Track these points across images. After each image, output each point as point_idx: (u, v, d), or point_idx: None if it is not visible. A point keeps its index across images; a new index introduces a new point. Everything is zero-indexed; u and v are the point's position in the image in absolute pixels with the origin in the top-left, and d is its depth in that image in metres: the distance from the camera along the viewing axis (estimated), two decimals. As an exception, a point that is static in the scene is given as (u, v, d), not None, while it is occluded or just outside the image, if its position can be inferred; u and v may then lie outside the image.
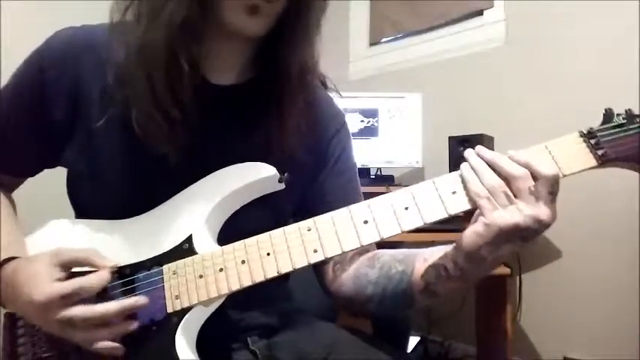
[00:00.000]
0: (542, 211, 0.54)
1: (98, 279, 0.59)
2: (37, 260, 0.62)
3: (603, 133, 0.57)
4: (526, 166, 0.55)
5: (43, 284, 0.58)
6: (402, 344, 1.76)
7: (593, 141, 0.57)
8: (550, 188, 0.54)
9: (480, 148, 0.59)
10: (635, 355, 1.66)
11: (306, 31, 0.68)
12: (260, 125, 0.71)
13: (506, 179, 0.56)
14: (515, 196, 0.55)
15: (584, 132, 0.58)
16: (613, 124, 0.57)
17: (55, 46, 0.68)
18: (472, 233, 0.57)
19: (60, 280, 0.59)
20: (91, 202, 0.70)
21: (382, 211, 0.60)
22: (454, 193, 0.58)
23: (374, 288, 0.70)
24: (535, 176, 0.55)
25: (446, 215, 0.58)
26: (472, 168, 0.58)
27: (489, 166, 0.57)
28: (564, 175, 0.57)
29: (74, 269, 0.62)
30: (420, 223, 0.58)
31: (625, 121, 0.57)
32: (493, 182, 0.56)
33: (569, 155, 0.57)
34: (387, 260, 0.71)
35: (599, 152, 0.57)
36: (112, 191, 0.68)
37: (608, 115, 0.58)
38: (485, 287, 1.96)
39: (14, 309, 0.65)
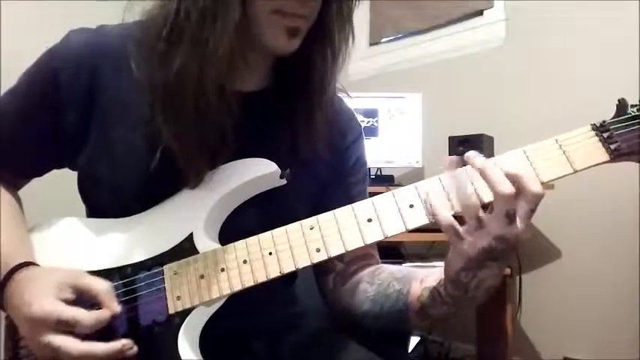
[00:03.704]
0: (513, 231, 0.52)
1: (98, 319, 0.57)
2: (52, 273, 0.60)
3: (616, 125, 0.54)
4: (515, 180, 0.51)
5: (46, 299, 0.56)
6: (402, 345, 1.76)
7: (605, 134, 0.54)
8: (534, 206, 0.52)
9: (472, 154, 0.54)
10: (635, 355, 1.66)
11: (331, 45, 0.68)
12: (277, 133, 0.71)
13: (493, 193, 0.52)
14: (488, 211, 0.53)
15: (597, 125, 0.55)
16: (626, 116, 0.54)
17: (69, 48, 0.66)
18: (448, 260, 0.57)
19: (64, 301, 0.57)
20: (105, 205, 0.69)
21: (386, 209, 0.58)
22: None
23: (371, 305, 0.71)
24: (521, 192, 0.51)
25: (452, 213, 0.56)
26: (456, 180, 0.55)
27: (480, 173, 0.53)
28: (575, 171, 0.54)
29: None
30: (425, 221, 0.57)
31: (639, 112, 0.54)
32: (469, 203, 0.53)
33: (580, 149, 0.54)
34: (386, 278, 0.71)
35: (612, 146, 0.53)
36: (129, 197, 0.67)
37: (622, 107, 0.55)
38: (486, 287, 1.96)
39: (13, 317, 0.62)
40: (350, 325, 0.78)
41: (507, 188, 0.51)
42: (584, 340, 1.85)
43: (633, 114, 0.54)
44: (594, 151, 0.54)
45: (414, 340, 2.03)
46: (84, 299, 0.59)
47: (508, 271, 1.69)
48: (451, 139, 1.89)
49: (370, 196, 0.61)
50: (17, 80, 0.70)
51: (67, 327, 0.55)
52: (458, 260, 0.56)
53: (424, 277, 0.66)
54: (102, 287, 0.59)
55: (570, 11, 1.91)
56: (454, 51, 2.30)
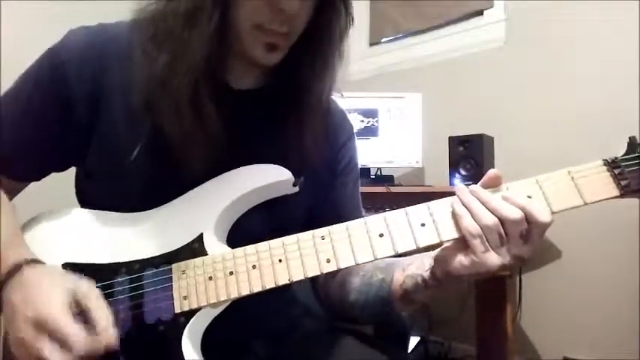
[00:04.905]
0: (528, 251, 0.55)
1: (91, 349, 0.52)
2: (65, 278, 0.57)
3: (627, 163, 0.57)
4: (522, 209, 0.54)
5: (55, 303, 0.52)
6: (402, 345, 1.76)
7: (617, 171, 0.57)
8: (542, 233, 0.55)
9: (474, 187, 0.58)
10: (635, 355, 1.67)
11: (324, 55, 0.69)
12: (278, 131, 0.71)
13: (500, 220, 0.55)
14: (505, 234, 0.55)
15: (609, 161, 0.58)
16: (637, 154, 0.57)
17: (73, 43, 0.66)
18: (458, 263, 0.58)
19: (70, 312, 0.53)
20: (105, 202, 0.69)
21: (398, 226, 0.59)
22: None
23: (357, 295, 0.73)
24: (530, 220, 0.54)
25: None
26: (465, 205, 0.56)
27: (483, 205, 0.56)
28: (586, 204, 0.56)
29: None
30: (436, 241, 0.58)
31: None
32: (488, 222, 0.54)
33: (591, 183, 0.57)
34: (370, 269, 0.73)
35: (623, 182, 0.56)
36: (130, 194, 0.67)
37: (632, 145, 0.58)
38: (485, 287, 1.96)
39: (9, 312, 0.56)
40: (348, 324, 0.79)
41: (514, 213, 0.54)
42: (584, 340, 1.85)
43: None
44: (605, 185, 0.57)
45: (414, 340, 2.03)
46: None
47: (508, 271, 1.69)
48: (451, 139, 1.89)
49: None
50: (17, 83, 0.69)
51: (58, 341, 0.51)
52: (468, 267, 0.57)
53: (406, 266, 0.68)
54: (102, 317, 0.54)
55: (570, 11, 1.91)
56: (454, 51, 2.30)
